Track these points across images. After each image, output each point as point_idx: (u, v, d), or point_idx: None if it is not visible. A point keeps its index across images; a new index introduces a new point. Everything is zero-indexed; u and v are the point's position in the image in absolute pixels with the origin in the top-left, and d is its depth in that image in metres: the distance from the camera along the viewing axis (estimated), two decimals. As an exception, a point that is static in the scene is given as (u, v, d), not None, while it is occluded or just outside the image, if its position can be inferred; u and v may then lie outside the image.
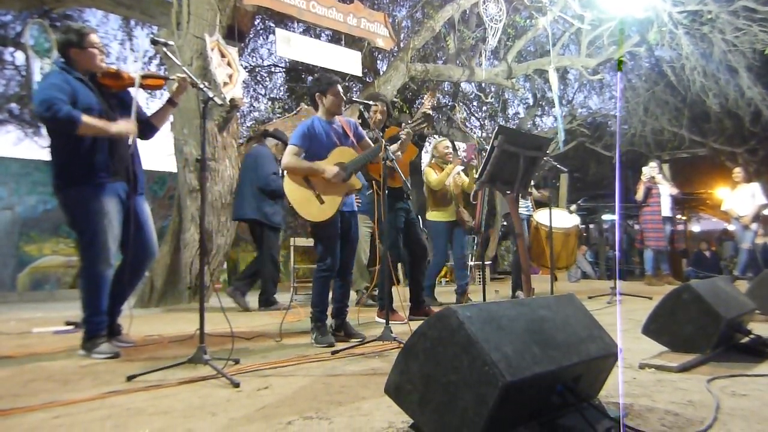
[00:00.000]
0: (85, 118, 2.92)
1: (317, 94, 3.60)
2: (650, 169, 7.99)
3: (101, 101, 3.12)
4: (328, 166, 3.47)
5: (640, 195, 7.91)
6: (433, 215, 5.91)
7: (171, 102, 3.39)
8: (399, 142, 3.81)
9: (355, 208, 3.77)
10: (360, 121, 4.42)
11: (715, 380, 2.16)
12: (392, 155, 3.43)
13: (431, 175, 5.81)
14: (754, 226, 7.91)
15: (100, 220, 3.04)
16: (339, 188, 3.51)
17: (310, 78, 13.76)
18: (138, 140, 3.33)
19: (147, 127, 3.39)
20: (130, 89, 3.24)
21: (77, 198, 3.06)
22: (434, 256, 6.12)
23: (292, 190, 3.48)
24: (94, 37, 3.15)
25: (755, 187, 8.10)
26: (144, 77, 3.23)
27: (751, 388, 2.05)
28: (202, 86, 2.87)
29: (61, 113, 2.85)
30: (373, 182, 4.09)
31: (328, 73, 3.64)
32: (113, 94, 3.22)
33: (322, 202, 3.45)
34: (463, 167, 5.94)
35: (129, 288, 3.38)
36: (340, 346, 3.25)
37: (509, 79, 10.60)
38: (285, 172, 3.53)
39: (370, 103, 3.81)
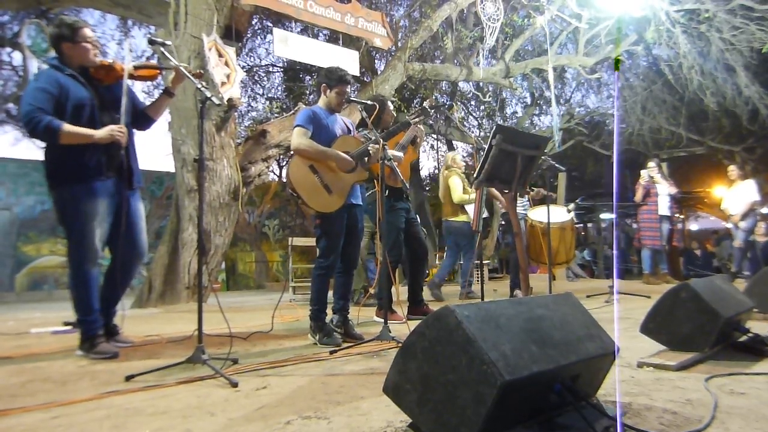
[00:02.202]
0: (66, 128, 2.89)
1: (324, 85, 3.60)
2: (648, 171, 8.01)
3: (94, 96, 3.07)
4: (340, 153, 3.45)
5: (639, 197, 7.92)
6: (461, 218, 6.58)
7: (168, 92, 3.34)
8: (410, 139, 4.13)
9: (361, 202, 3.75)
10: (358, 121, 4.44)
11: (714, 379, 2.16)
12: (390, 155, 3.43)
13: (458, 189, 6.46)
14: (743, 224, 7.91)
15: (89, 221, 3.02)
16: (346, 178, 3.49)
17: (308, 78, 13.77)
18: (135, 132, 3.32)
19: (143, 118, 3.36)
20: (128, 81, 3.16)
21: (67, 197, 3.05)
22: (449, 257, 6.88)
23: (300, 178, 3.38)
24: (87, 31, 3.10)
25: (750, 184, 8.11)
26: (136, 68, 3.18)
27: (749, 387, 2.05)
28: (199, 85, 2.86)
29: (41, 126, 2.84)
30: (375, 180, 4.09)
31: (341, 70, 3.61)
32: (108, 88, 3.16)
33: (330, 192, 3.41)
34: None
35: (120, 288, 3.34)
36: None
37: (507, 78, 10.59)
38: (293, 156, 3.47)
39: (368, 102, 3.81)
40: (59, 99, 2.94)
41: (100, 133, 2.98)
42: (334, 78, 3.57)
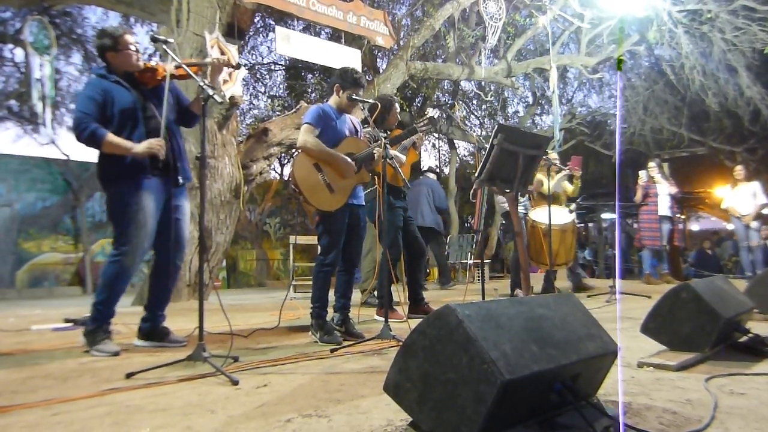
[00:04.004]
0: (109, 138, 3.04)
1: (337, 85, 3.60)
2: (647, 172, 8.01)
3: (139, 100, 3.19)
4: (345, 158, 3.46)
5: (638, 197, 7.93)
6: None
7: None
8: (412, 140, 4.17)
9: (363, 202, 3.76)
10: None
11: (714, 379, 2.16)
12: (392, 154, 3.44)
13: (543, 183, 6.52)
14: (754, 224, 7.91)
15: (135, 216, 3.11)
16: (348, 179, 3.50)
17: (309, 76, 13.76)
18: (182, 129, 3.44)
19: (189, 115, 3.44)
20: (175, 82, 3.25)
21: (116, 194, 3.15)
22: None
23: (303, 175, 3.40)
24: (128, 38, 3.21)
25: (756, 185, 8.10)
26: (177, 67, 3.21)
27: (749, 387, 2.05)
28: (201, 83, 2.87)
29: (86, 132, 3.01)
30: (375, 177, 4.08)
31: (357, 73, 3.62)
32: (152, 90, 3.27)
33: (332, 190, 3.42)
34: (569, 175, 6.78)
35: (169, 286, 3.45)
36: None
37: (509, 77, 10.59)
38: (299, 153, 3.50)
39: (370, 101, 3.81)
40: (104, 105, 3.09)
41: (138, 148, 3.09)
42: (349, 80, 3.57)
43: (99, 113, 3.07)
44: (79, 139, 3.04)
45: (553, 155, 6.93)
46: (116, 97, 3.12)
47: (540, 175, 6.58)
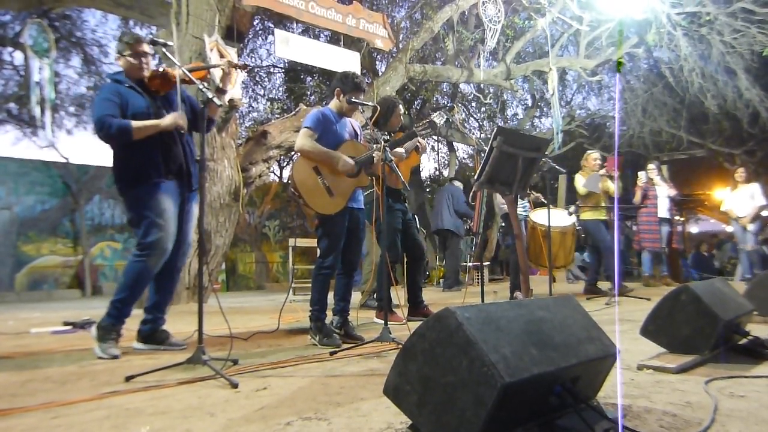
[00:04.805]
0: (135, 124, 3.10)
1: (338, 89, 3.60)
2: (646, 173, 8.02)
3: (152, 104, 3.25)
4: (343, 156, 3.47)
5: (637, 198, 7.94)
6: (588, 215, 6.60)
7: (219, 91, 3.36)
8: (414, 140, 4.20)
9: (363, 205, 3.77)
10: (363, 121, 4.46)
11: (713, 381, 2.16)
12: (391, 156, 3.44)
13: (581, 182, 6.65)
14: (751, 227, 7.91)
15: (156, 217, 3.13)
16: (347, 182, 3.50)
17: (309, 79, 13.78)
18: (193, 134, 3.49)
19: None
20: (184, 86, 3.28)
21: (135, 197, 3.19)
22: (603, 250, 6.66)
23: (303, 178, 3.42)
24: (141, 47, 3.26)
25: (755, 187, 8.10)
26: (190, 71, 3.21)
27: (749, 390, 2.05)
28: (201, 86, 2.87)
29: (113, 128, 3.06)
30: (374, 179, 4.09)
31: (358, 78, 3.62)
32: (164, 97, 3.33)
33: (331, 194, 3.43)
34: (607, 175, 6.71)
35: (172, 290, 3.49)
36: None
37: (508, 80, 10.60)
38: (297, 156, 3.52)
39: (369, 104, 3.81)
40: (121, 107, 3.14)
41: (165, 121, 3.17)
42: (350, 85, 3.57)
43: (118, 113, 3.12)
44: (107, 137, 3.09)
45: (595, 155, 6.96)
46: (130, 101, 3.18)
47: (578, 175, 6.71)
